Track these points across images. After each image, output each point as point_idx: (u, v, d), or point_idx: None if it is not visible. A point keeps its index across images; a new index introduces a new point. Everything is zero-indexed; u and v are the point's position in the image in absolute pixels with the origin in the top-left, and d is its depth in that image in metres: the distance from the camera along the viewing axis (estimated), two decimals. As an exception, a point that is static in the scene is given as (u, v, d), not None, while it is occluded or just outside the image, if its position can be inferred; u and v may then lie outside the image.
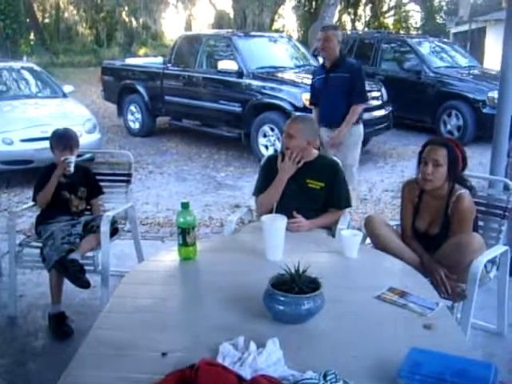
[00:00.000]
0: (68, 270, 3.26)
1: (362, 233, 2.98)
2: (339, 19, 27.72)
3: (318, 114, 5.25)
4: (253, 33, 12.55)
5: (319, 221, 3.39)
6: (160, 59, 10.71)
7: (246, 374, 1.64)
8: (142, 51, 27.99)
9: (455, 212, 3.00)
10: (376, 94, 8.38)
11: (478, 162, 7.01)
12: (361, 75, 5.16)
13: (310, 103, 5.50)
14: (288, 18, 30.39)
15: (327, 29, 5.21)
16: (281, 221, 2.64)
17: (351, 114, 4.96)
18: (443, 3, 30.11)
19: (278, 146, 7.65)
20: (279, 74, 8.39)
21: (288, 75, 8.44)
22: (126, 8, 27.64)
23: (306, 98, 7.50)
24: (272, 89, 7.97)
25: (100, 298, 3.50)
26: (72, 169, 3.64)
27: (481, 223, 3.30)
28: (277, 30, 25.60)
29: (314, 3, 25.24)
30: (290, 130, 3.45)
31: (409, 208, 3.23)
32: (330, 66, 5.08)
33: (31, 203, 3.84)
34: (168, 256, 2.75)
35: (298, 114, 6.46)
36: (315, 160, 3.52)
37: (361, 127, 5.22)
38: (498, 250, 3.13)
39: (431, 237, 3.12)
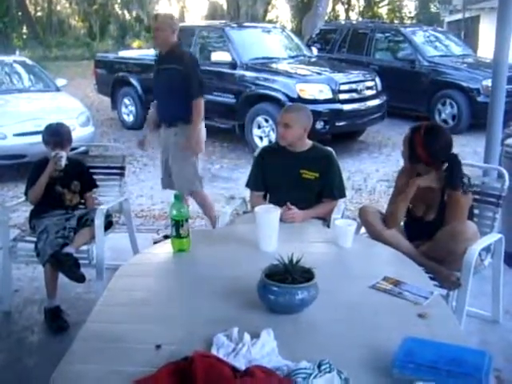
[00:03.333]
0: (63, 264, 3.26)
1: (357, 222, 2.98)
2: (333, 9, 27.71)
3: (158, 111, 4.59)
4: (246, 24, 12.49)
5: (313, 211, 3.39)
6: (153, 51, 10.65)
7: (241, 364, 1.64)
8: (135, 44, 27.88)
9: (450, 199, 3.01)
10: (370, 83, 8.39)
11: (472, 151, 7.03)
12: (196, 68, 4.43)
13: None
14: (281, 9, 30.34)
15: (159, 17, 4.60)
16: (274, 212, 2.63)
17: (194, 109, 4.29)
18: (437, -8, 30.05)
19: (273, 136, 7.64)
20: (273, 65, 8.38)
21: (282, 66, 8.43)
22: (119, 1, 27.53)
23: (300, 88, 7.55)
24: (266, 80, 7.96)
25: (95, 291, 3.50)
26: (63, 163, 3.62)
27: (475, 211, 3.30)
28: (270, 21, 25.52)
29: (307, -7, 25.14)
30: (285, 119, 3.43)
31: (399, 194, 3.26)
32: (163, 58, 4.49)
33: (24, 198, 3.82)
34: (162, 248, 2.75)
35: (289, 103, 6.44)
36: (309, 150, 3.52)
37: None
38: (493, 237, 3.13)
39: (427, 223, 3.13)
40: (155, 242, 4.41)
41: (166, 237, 4.41)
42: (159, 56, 4.63)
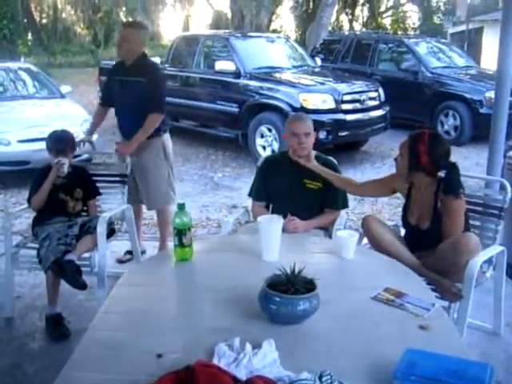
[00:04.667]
0: (64, 271, 3.26)
1: (359, 233, 2.99)
2: (337, 19, 27.81)
3: (118, 125, 4.44)
4: (250, 33, 12.55)
5: (316, 221, 3.39)
6: (157, 60, 10.69)
7: (242, 374, 1.64)
8: (139, 52, 27.91)
9: (446, 206, 3.02)
10: (373, 94, 8.40)
11: (475, 162, 7.03)
12: (159, 81, 4.29)
13: (101, 103, 4.57)
14: (286, 19, 30.46)
15: (127, 26, 4.37)
16: (277, 221, 2.64)
17: (147, 122, 4.10)
18: (440, 3, 30.17)
19: (276, 146, 7.66)
20: (277, 75, 8.41)
21: (285, 76, 8.45)
22: (124, 8, 27.64)
23: (303, 98, 7.56)
24: (269, 89, 7.98)
25: (97, 298, 3.50)
26: (65, 170, 3.63)
27: (477, 223, 3.31)
28: (274, 31, 25.62)
29: (311, 3, 25.26)
30: (306, 129, 3.42)
31: (380, 181, 3.44)
32: (128, 69, 4.19)
33: (27, 204, 3.83)
34: (164, 257, 2.75)
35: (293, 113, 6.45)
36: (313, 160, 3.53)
37: (162, 139, 4.37)
38: (495, 250, 3.13)
39: (422, 231, 3.13)
40: (121, 262, 4.43)
41: (129, 252, 4.41)
42: (122, 67, 4.26)
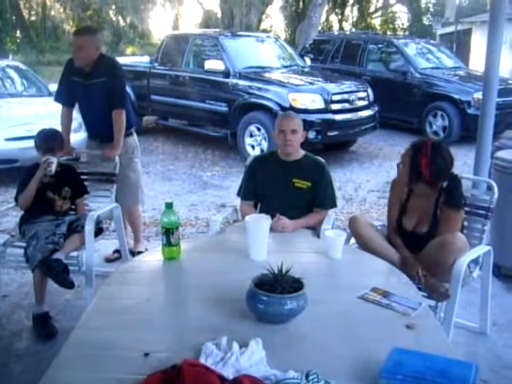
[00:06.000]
0: (52, 269, 3.24)
1: (347, 233, 2.99)
2: (326, 19, 27.81)
3: (86, 127, 4.54)
4: (240, 33, 12.56)
5: (304, 221, 3.39)
6: (147, 58, 10.66)
7: (229, 373, 1.64)
8: (129, 50, 27.86)
9: (445, 216, 3.03)
10: (362, 94, 8.43)
11: (462, 163, 7.06)
12: (118, 77, 4.25)
13: (62, 103, 4.40)
14: (275, 18, 30.41)
15: (81, 34, 4.17)
16: (265, 221, 2.64)
17: (116, 120, 4.13)
18: (430, 5, 30.30)
19: (265, 145, 7.67)
20: (266, 74, 8.41)
21: (275, 75, 8.46)
22: (113, 7, 27.50)
23: (292, 98, 7.58)
24: (259, 89, 7.98)
25: (84, 297, 3.48)
26: (53, 169, 3.61)
27: (465, 223, 3.32)
28: (264, 30, 25.60)
29: (301, 3, 25.25)
30: (292, 126, 3.44)
31: (395, 205, 3.26)
32: (89, 73, 4.13)
33: (14, 203, 3.81)
34: (152, 256, 2.75)
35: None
36: (302, 159, 3.54)
37: (134, 137, 4.47)
38: (481, 249, 3.16)
39: (418, 236, 3.13)
40: (109, 261, 4.42)
41: (117, 251, 4.41)
42: (81, 71, 4.15)
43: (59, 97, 4.41)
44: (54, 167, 3.61)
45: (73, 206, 3.86)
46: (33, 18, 30.35)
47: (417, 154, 3.03)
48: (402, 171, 3.12)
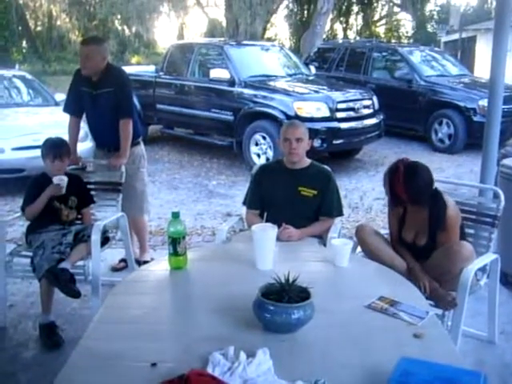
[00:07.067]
0: (58, 279, 3.24)
1: (353, 241, 2.99)
2: (331, 28, 27.92)
3: (93, 136, 4.61)
4: (245, 41, 12.59)
5: (310, 229, 3.39)
6: (152, 67, 10.70)
7: (236, 383, 1.64)
8: (134, 59, 28.00)
9: (437, 233, 3.02)
10: (367, 102, 8.43)
11: (469, 170, 7.07)
12: (125, 87, 4.27)
13: (71, 113, 4.41)
14: (280, 27, 30.56)
15: (88, 43, 4.20)
16: (271, 230, 2.64)
17: (123, 130, 4.16)
18: (434, 12, 30.31)
19: (270, 154, 7.67)
20: (271, 83, 8.42)
21: (280, 84, 8.47)
22: (119, 16, 27.64)
23: (297, 106, 7.59)
24: (264, 97, 7.99)
25: (91, 307, 3.49)
26: (64, 190, 3.64)
27: (471, 231, 3.32)
28: (269, 39, 25.68)
29: (306, 12, 25.39)
30: (297, 134, 3.45)
31: (394, 219, 3.25)
32: (96, 83, 4.17)
33: (21, 213, 3.82)
34: (158, 265, 2.75)
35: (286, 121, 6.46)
36: (308, 168, 3.54)
37: (141, 147, 4.50)
38: (489, 257, 3.14)
39: (419, 248, 3.12)
40: (115, 270, 4.43)
41: (123, 260, 4.42)
42: (89, 81, 4.19)
43: (68, 108, 4.44)
44: (65, 186, 3.63)
45: (79, 216, 3.87)
46: (39, 28, 30.56)
47: (392, 178, 2.98)
48: (387, 197, 3.12)
